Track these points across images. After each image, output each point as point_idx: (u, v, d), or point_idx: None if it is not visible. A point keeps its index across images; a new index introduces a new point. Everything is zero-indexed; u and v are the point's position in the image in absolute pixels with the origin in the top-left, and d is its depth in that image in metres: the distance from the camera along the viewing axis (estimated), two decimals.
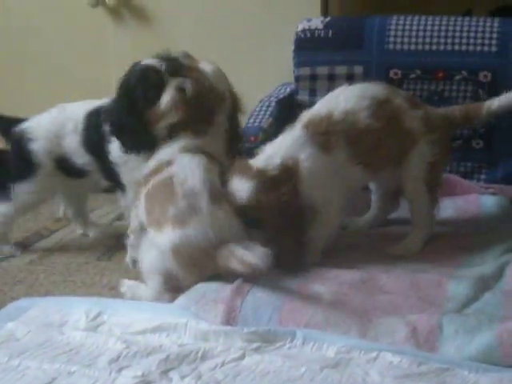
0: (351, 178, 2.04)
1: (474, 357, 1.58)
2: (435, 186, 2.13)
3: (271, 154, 1.99)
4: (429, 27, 2.48)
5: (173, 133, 2.07)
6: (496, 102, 2.13)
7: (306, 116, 2.07)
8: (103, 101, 2.35)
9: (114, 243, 2.64)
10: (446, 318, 1.70)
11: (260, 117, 2.51)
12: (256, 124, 2.47)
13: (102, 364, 1.63)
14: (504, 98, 2.13)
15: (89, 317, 1.80)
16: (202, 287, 1.88)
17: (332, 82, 2.58)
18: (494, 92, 2.39)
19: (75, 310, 1.83)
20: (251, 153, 2.17)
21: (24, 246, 2.66)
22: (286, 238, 1.93)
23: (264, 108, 2.56)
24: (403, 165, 2.06)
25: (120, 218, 2.89)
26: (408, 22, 2.51)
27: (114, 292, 2.22)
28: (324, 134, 2.00)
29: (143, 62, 2.13)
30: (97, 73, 3.10)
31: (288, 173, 1.95)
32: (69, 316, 1.81)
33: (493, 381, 1.50)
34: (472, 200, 2.34)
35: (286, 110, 2.59)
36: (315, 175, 1.98)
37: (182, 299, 1.87)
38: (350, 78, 2.56)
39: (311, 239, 1.99)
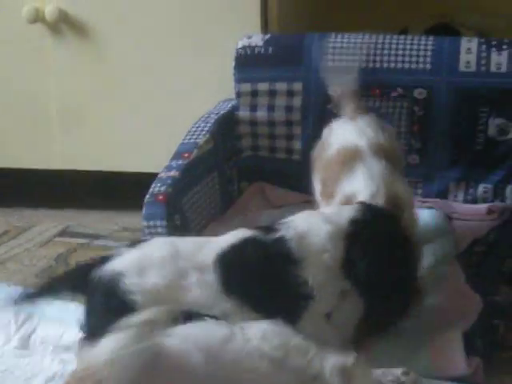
0: None
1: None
2: None
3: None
4: (365, 44, 2.52)
5: None
6: None
7: (367, 143, 2.01)
8: None
9: (54, 260, 2.62)
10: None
11: (197, 133, 2.51)
12: (192, 141, 2.47)
13: None
14: None
15: (17, 322, 1.79)
16: None
17: (273, 97, 2.60)
18: (429, 109, 2.46)
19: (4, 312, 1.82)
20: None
21: None
22: None
23: (202, 124, 2.56)
24: None
25: (61, 234, 2.88)
26: (346, 40, 2.54)
27: None
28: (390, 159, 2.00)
29: None
30: (35, 89, 3.07)
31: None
32: None
33: None
34: None
35: (224, 126, 2.61)
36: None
37: None
38: (290, 95, 2.59)
39: None
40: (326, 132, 2.18)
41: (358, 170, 1.92)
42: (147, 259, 1.70)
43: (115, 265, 1.70)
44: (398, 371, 1.52)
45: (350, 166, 1.94)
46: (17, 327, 1.80)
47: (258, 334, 1.49)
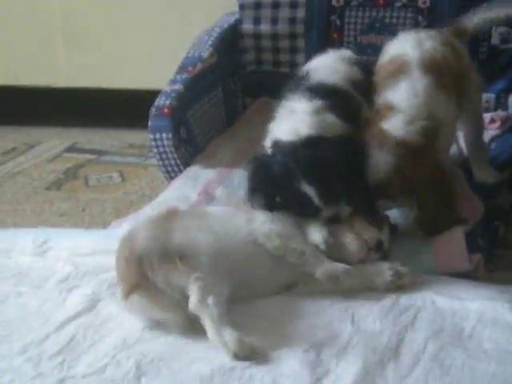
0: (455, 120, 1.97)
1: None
2: None
3: (407, 115, 1.76)
4: None
5: None
6: (475, 18, 2.12)
7: (418, 58, 1.89)
8: None
9: (63, 174, 2.67)
10: None
11: (201, 47, 2.51)
12: (196, 55, 2.48)
13: (52, 285, 1.69)
14: (481, 13, 2.12)
15: (35, 243, 1.83)
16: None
17: (276, 9, 2.59)
18: (433, 18, 2.45)
19: (21, 239, 1.86)
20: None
21: None
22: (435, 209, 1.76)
23: (206, 38, 2.56)
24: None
25: (69, 150, 2.91)
26: None
27: (63, 218, 2.27)
28: (446, 76, 1.87)
29: None
30: (40, 6, 3.06)
31: (430, 137, 1.76)
32: (15, 244, 1.84)
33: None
34: None
35: (228, 40, 2.61)
36: (452, 129, 1.88)
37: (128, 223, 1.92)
38: (294, 6, 2.58)
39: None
40: (390, 42, 2.07)
41: (402, 82, 1.84)
42: None
43: None
44: (386, 269, 1.59)
45: (396, 77, 1.87)
46: (34, 246, 1.83)
47: (264, 231, 1.61)
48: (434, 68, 1.87)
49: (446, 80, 1.88)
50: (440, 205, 1.76)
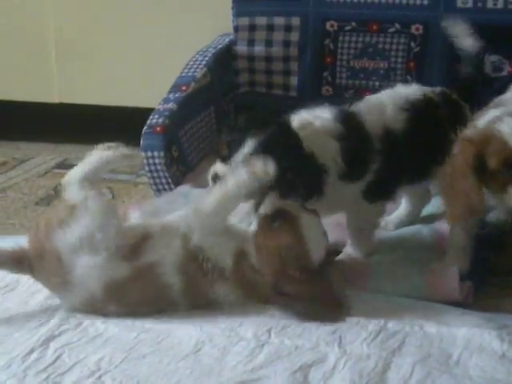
0: None
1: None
2: None
3: None
4: None
5: None
6: None
7: None
8: None
9: (53, 190, 2.66)
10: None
11: (195, 67, 2.53)
12: (190, 74, 2.49)
13: (38, 301, 1.67)
14: None
15: None
16: None
17: (270, 32, 2.61)
18: (426, 45, 2.47)
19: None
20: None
21: None
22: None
23: (200, 58, 2.58)
24: None
25: (59, 166, 2.91)
26: None
27: None
28: None
29: None
30: (34, 22, 3.07)
31: None
32: None
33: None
34: None
35: (222, 61, 2.62)
36: None
37: None
38: (288, 29, 2.60)
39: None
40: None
41: None
42: None
43: None
44: None
45: None
46: None
47: None
48: None
49: None
50: None
